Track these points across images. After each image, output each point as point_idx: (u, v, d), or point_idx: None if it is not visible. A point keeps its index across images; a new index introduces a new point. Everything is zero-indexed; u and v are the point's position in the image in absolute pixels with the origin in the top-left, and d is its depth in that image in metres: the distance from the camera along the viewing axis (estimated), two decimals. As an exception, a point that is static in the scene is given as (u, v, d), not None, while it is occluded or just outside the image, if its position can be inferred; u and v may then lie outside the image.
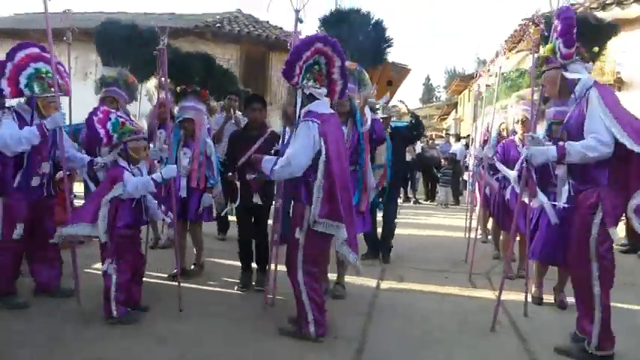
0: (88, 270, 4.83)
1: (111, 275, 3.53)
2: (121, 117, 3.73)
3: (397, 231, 7.02)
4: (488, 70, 13.10)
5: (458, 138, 12.62)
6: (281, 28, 15.70)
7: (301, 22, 3.87)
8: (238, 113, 6.10)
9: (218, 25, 14.59)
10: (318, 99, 3.44)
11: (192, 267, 4.96)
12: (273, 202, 4.28)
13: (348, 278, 4.86)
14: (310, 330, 3.40)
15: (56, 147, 3.88)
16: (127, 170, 3.61)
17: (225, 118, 5.97)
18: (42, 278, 4.05)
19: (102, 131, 3.60)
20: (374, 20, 4.77)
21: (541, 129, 4.56)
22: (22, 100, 3.80)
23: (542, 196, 4.00)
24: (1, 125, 3.62)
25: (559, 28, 3.26)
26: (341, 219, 3.28)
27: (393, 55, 5.36)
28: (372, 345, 3.43)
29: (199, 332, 3.53)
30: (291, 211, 3.50)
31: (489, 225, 6.92)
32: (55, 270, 4.09)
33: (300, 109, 3.40)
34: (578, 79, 3.18)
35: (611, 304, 3.15)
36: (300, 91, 3.41)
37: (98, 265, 4.72)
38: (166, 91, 4.21)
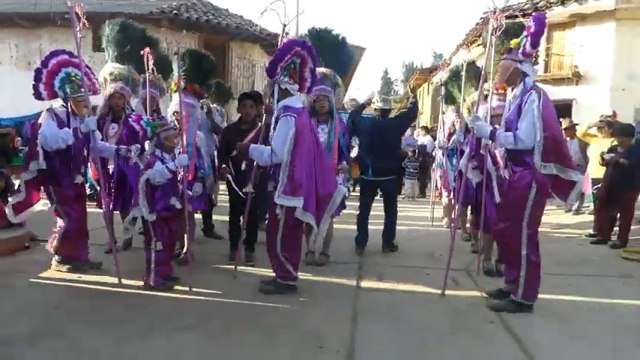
0: (34, 280, 4.34)
1: (152, 250, 4.11)
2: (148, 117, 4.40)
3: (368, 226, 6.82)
4: (448, 64, 13.11)
5: (427, 130, 12.51)
6: (241, 16, 15.17)
7: (287, 34, 4.55)
8: (213, 105, 6.32)
9: (175, 12, 13.92)
10: (292, 94, 4.05)
11: (183, 255, 5.00)
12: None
13: (326, 279, 4.69)
14: (293, 274, 4.13)
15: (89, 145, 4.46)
16: (159, 159, 4.12)
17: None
18: (76, 251, 4.60)
19: (138, 127, 4.37)
20: (340, 38, 5.56)
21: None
22: (60, 101, 4.32)
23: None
24: (43, 125, 4.18)
25: (532, 29, 3.65)
26: (300, 194, 3.84)
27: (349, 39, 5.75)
28: (361, 353, 3.13)
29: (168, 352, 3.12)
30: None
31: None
32: (83, 245, 4.66)
33: (278, 101, 4.01)
34: (525, 77, 3.71)
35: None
36: (277, 85, 4.01)
37: (45, 274, 4.35)
38: (180, 91, 4.46)
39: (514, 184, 3.76)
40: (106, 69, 5.31)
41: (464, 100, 6.34)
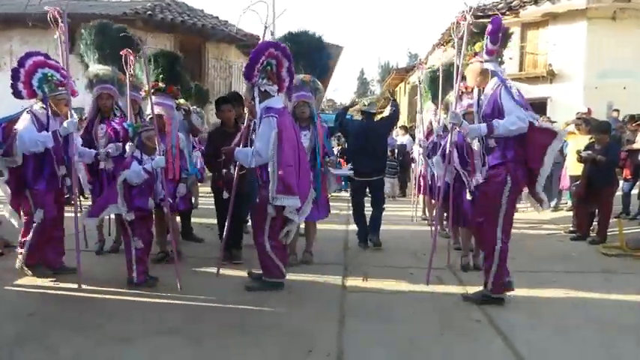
0: (9, 287, 4.19)
1: (131, 249, 4.17)
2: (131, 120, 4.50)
3: (350, 227, 6.86)
4: (425, 63, 13.20)
5: (406, 130, 12.56)
6: (217, 17, 15.03)
7: (272, 34, 4.60)
8: (193, 107, 6.46)
9: (149, 12, 13.69)
10: (271, 95, 4.12)
11: (170, 253, 4.95)
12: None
13: (311, 281, 4.66)
14: (283, 272, 4.23)
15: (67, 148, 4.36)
16: (137, 160, 4.19)
17: None
18: (48, 256, 4.53)
19: (119, 127, 4.56)
20: (317, 37, 5.52)
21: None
22: (39, 101, 4.31)
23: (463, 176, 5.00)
24: (22, 127, 4.17)
25: (489, 29, 3.91)
26: (294, 192, 3.95)
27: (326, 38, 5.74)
28: (350, 356, 3.09)
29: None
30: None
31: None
32: (59, 249, 4.59)
33: (259, 103, 4.08)
34: (493, 75, 3.91)
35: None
36: (257, 88, 4.08)
37: (20, 281, 4.22)
38: (149, 88, 4.52)
39: (490, 181, 3.91)
40: (91, 71, 5.29)
41: (441, 101, 6.40)
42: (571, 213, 7.58)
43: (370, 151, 5.83)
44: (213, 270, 4.69)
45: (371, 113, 6.23)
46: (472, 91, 4.93)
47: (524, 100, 3.83)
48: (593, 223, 6.74)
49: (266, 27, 4.52)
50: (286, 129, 4.03)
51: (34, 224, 4.28)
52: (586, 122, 7.38)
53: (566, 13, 13.76)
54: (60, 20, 4.37)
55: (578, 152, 6.76)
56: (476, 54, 4.09)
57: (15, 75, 4.22)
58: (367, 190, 6.25)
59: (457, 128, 4.24)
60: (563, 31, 14.11)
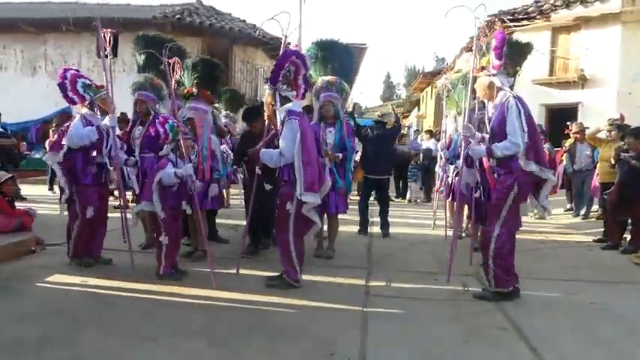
0: (40, 284, 4.31)
1: (162, 244, 4.43)
2: (174, 121, 4.73)
3: (374, 230, 7.12)
4: (452, 69, 13.00)
5: (432, 134, 12.42)
6: (244, 21, 15.18)
7: (289, 44, 4.84)
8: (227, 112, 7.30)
9: (178, 16, 13.92)
10: (291, 100, 4.33)
11: (197, 252, 5.27)
12: None
13: (333, 285, 4.64)
14: (298, 277, 4.36)
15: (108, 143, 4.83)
16: (172, 162, 4.48)
17: None
18: (92, 248, 4.88)
19: (162, 129, 4.95)
20: (345, 48, 6.36)
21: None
22: (85, 106, 4.82)
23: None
24: (71, 127, 4.67)
25: (493, 45, 4.15)
26: (316, 190, 4.22)
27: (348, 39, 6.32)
28: (373, 362, 3.07)
29: None
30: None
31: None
32: (100, 243, 4.96)
33: (280, 107, 4.30)
34: (500, 88, 4.08)
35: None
36: (278, 93, 4.30)
37: (51, 278, 4.32)
38: (172, 96, 4.77)
39: (497, 187, 4.17)
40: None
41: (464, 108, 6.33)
42: (601, 221, 7.37)
43: (383, 155, 6.90)
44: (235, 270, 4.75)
45: (384, 122, 7.30)
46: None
47: (529, 118, 4.01)
48: (625, 231, 6.54)
49: (286, 36, 4.76)
50: (307, 130, 4.28)
51: (82, 220, 4.68)
52: (619, 128, 7.16)
53: (599, 17, 13.44)
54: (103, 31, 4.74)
55: (617, 149, 6.53)
56: (483, 68, 4.29)
57: (63, 88, 4.71)
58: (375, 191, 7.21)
59: (471, 140, 4.47)
60: (595, 36, 13.77)
